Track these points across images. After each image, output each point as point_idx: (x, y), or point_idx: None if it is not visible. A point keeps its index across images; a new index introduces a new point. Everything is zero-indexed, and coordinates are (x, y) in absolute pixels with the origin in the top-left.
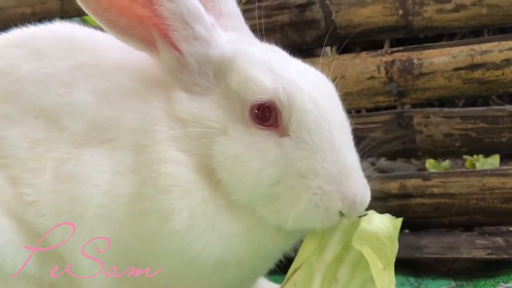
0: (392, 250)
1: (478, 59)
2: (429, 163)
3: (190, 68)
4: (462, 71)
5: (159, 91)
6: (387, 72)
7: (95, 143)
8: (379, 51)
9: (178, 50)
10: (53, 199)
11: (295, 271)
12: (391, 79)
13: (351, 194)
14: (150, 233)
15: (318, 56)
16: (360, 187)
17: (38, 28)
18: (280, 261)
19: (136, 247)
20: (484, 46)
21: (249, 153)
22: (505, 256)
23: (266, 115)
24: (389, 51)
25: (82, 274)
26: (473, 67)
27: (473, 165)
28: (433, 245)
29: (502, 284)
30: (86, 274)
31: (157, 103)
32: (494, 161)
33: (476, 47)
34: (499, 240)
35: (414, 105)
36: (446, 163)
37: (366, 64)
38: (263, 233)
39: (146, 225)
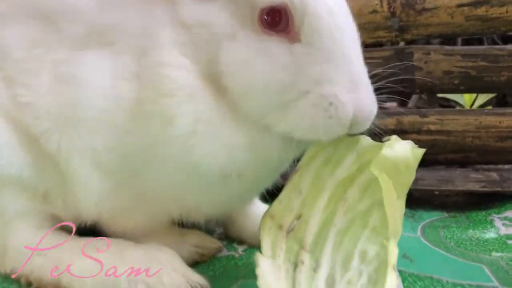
0: (408, 179)
1: None
2: None
3: None
4: (466, 8)
5: None
6: (389, 7)
7: (96, 45)
8: None
9: None
10: (51, 101)
11: (297, 171)
12: (393, 14)
13: (363, 104)
14: (152, 138)
15: None
16: (371, 98)
17: None
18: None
19: (137, 152)
20: None
21: (259, 59)
22: (499, 189)
23: (276, 20)
24: None
25: (78, 181)
26: (477, 3)
27: None
28: (428, 178)
29: (494, 215)
30: (83, 182)
31: (160, 7)
32: None
33: None
34: (494, 175)
35: (414, 41)
36: None
37: None
38: (268, 145)
39: (148, 129)
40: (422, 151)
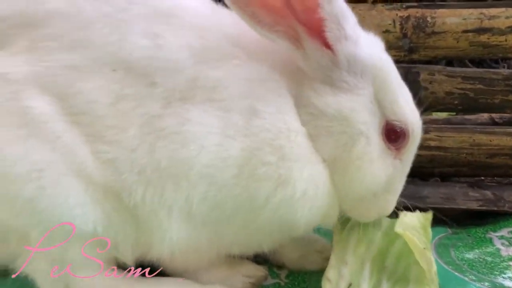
0: (427, 236)
1: (486, 23)
2: None
3: (340, 66)
4: (470, 34)
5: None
6: (402, 28)
7: (198, 100)
8: (394, 4)
9: (329, 48)
10: (140, 156)
11: (336, 246)
12: (405, 35)
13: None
14: (260, 198)
15: None
16: None
17: None
18: None
19: (233, 206)
20: (492, 11)
21: (377, 165)
22: (494, 208)
23: (397, 137)
24: (404, 6)
25: (159, 231)
26: (480, 31)
27: None
28: (432, 196)
29: (492, 233)
30: (163, 230)
31: (277, 76)
32: None
33: (485, 11)
34: (488, 193)
35: (420, 62)
36: None
37: (382, 17)
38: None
39: (258, 190)
40: (430, 213)
